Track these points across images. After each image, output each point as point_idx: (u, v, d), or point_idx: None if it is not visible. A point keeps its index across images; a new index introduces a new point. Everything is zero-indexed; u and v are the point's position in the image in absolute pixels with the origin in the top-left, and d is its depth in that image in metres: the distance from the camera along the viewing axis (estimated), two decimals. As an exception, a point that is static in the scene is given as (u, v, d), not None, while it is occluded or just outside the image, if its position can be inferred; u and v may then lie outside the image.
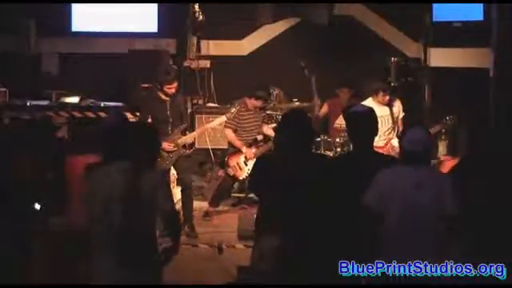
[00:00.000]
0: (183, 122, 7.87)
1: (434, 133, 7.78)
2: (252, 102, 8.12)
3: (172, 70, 8.00)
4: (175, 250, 4.49)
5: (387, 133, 7.78)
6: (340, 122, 8.15)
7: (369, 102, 7.72)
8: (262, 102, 8.16)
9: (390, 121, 7.83)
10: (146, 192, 4.31)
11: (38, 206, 5.52)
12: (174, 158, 7.74)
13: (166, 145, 7.57)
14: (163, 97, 7.67)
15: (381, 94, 7.77)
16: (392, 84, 9.22)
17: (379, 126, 7.47)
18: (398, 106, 7.98)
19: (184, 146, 7.81)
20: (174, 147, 7.67)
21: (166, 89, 7.60)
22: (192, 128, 9.53)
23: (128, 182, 4.29)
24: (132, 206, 4.28)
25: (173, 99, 7.70)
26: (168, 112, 7.67)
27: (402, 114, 8.00)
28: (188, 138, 7.93)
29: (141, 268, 4.28)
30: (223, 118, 8.22)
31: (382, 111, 7.63)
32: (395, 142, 7.56)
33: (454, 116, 8.04)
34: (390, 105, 7.86)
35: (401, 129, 7.68)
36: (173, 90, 7.67)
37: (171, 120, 7.70)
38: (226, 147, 8.55)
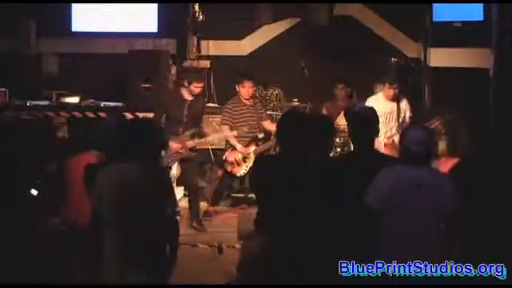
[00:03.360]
0: (197, 125, 7.83)
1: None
2: (242, 89, 8.14)
3: (200, 70, 8.02)
4: (173, 259, 4.47)
5: (394, 129, 7.78)
6: (338, 122, 8.15)
7: (378, 96, 7.79)
8: (250, 83, 8.16)
9: (395, 117, 7.83)
10: (155, 191, 4.30)
11: (34, 192, 5.52)
12: (177, 158, 7.75)
13: (174, 145, 7.57)
14: (186, 96, 7.66)
15: (387, 85, 7.79)
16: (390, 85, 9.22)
17: (386, 121, 7.56)
18: (405, 105, 7.98)
19: (191, 149, 7.78)
20: (181, 148, 7.67)
21: (193, 87, 7.61)
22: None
23: (139, 180, 4.28)
24: (142, 205, 4.26)
25: (194, 100, 7.69)
26: (185, 112, 7.66)
27: (408, 114, 7.98)
28: (198, 143, 7.88)
29: (150, 267, 4.27)
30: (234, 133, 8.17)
31: (389, 107, 7.70)
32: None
33: (451, 114, 8.00)
34: (397, 101, 7.86)
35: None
36: (199, 90, 7.71)
37: (185, 120, 7.68)
38: (225, 147, 8.56)
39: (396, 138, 7.61)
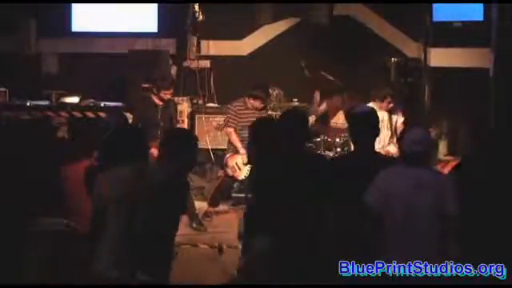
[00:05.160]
0: (173, 126, 7.98)
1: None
2: (250, 102, 8.14)
3: (168, 76, 8.13)
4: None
5: (387, 139, 7.66)
6: (336, 120, 8.14)
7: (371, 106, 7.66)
8: (260, 101, 8.16)
9: (388, 127, 7.73)
10: (160, 195, 4.29)
11: None
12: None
13: (154, 150, 7.60)
14: (157, 101, 7.85)
15: (387, 99, 7.70)
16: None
17: None
18: (397, 116, 7.88)
19: None
20: None
21: (162, 94, 7.81)
22: (192, 128, 9.59)
23: (141, 184, 4.27)
24: (144, 208, 4.26)
25: (165, 105, 7.87)
26: (159, 116, 7.80)
27: (401, 119, 7.87)
28: None
29: (152, 270, 4.26)
30: None
31: (381, 115, 7.53)
32: (391, 148, 7.49)
33: (451, 114, 7.97)
34: (390, 112, 7.78)
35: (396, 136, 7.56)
36: (168, 96, 7.96)
37: (162, 124, 7.83)
38: (226, 147, 8.56)
39: (390, 148, 7.54)
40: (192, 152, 4.48)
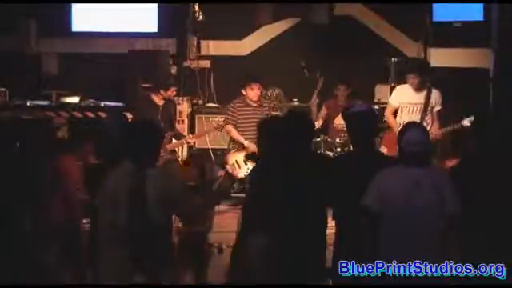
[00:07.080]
0: (173, 126, 7.98)
1: (447, 132, 7.59)
2: (250, 92, 8.13)
3: (170, 74, 8.14)
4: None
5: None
6: (338, 122, 8.12)
7: (406, 86, 7.53)
8: (258, 85, 8.15)
9: (421, 110, 7.43)
10: (157, 195, 4.29)
11: None
12: (161, 162, 7.80)
13: None
14: (157, 101, 7.81)
15: (410, 75, 7.42)
16: (392, 84, 9.20)
17: (408, 112, 7.33)
18: (435, 97, 7.52)
19: (172, 151, 7.91)
20: (163, 152, 7.71)
21: (170, 92, 7.78)
22: (192, 128, 9.60)
23: (138, 183, 4.27)
24: (143, 207, 4.26)
25: (165, 104, 7.84)
26: (159, 116, 7.80)
27: (438, 107, 7.53)
28: (177, 145, 8.07)
29: (152, 268, 4.26)
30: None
31: (415, 98, 7.42)
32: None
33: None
34: (427, 93, 7.43)
35: (432, 121, 7.41)
36: (174, 93, 7.94)
37: (162, 124, 7.82)
38: (225, 147, 8.56)
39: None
40: (150, 146, 4.38)
